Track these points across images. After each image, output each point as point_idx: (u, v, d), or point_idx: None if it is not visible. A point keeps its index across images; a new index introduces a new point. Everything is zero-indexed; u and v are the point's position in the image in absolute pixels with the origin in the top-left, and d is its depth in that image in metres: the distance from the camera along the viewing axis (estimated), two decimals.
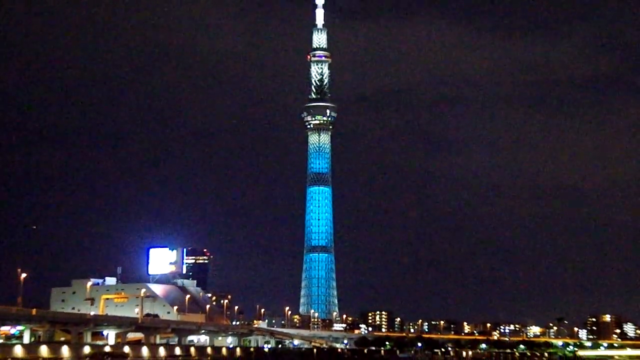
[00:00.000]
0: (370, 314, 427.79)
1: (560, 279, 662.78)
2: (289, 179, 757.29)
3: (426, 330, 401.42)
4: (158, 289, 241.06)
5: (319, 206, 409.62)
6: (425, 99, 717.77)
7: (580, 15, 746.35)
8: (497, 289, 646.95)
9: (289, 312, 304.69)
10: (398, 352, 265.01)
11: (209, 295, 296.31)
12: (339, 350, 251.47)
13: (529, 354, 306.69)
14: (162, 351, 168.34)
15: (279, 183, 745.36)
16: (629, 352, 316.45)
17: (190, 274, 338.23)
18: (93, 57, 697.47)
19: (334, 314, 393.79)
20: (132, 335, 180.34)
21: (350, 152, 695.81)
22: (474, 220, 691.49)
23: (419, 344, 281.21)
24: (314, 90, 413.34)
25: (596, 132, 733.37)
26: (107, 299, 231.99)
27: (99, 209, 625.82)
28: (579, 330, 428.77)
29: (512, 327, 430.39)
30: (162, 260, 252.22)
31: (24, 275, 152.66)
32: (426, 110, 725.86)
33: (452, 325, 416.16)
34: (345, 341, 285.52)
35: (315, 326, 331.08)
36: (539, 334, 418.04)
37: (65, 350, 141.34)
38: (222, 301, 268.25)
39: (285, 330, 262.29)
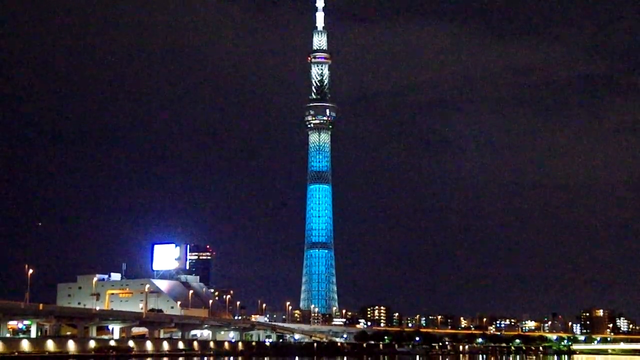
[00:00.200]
0: (369, 309, 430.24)
1: (555, 275, 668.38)
2: (290, 177, 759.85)
3: (424, 324, 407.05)
4: (162, 284, 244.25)
5: (319, 204, 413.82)
6: (422, 100, 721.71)
7: (574, 17, 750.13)
8: (493, 284, 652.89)
9: (290, 307, 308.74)
10: (396, 346, 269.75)
11: (212, 290, 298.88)
12: (339, 344, 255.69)
13: (524, 347, 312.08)
14: (165, 345, 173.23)
15: (280, 181, 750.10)
16: (622, 345, 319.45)
17: (194, 269, 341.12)
18: (99, 58, 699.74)
19: (334, 309, 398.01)
20: (136, 330, 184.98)
21: (350, 151, 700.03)
22: (470, 217, 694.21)
23: (417, 338, 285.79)
24: (315, 91, 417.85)
25: (590, 132, 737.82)
26: (112, 294, 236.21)
27: (105, 206, 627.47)
28: (573, 324, 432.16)
29: (507, 321, 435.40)
30: (166, 256, 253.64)
31: (30, 271, 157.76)
32: (423, 110, 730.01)
33: (449, 320, 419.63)
34: (345, 335, 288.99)
35: (316, 321, 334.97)
36: (534, 328, 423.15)
37: (71, 345, 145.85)
38: (224, 296, 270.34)
39: (286, 325, 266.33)
